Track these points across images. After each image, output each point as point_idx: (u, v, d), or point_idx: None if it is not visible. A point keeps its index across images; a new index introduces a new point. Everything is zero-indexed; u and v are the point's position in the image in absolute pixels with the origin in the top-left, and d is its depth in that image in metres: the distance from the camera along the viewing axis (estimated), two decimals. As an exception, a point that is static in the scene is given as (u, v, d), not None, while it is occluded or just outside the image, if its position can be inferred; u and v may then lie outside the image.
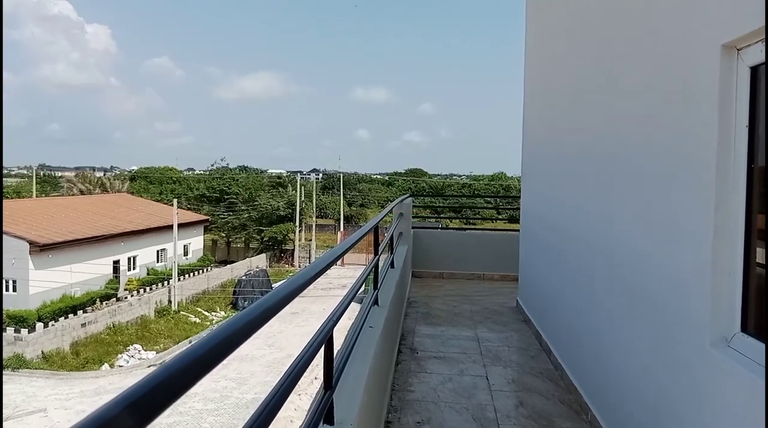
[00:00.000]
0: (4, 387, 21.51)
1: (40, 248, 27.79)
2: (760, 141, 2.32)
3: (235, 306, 34.60)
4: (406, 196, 9.40)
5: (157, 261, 37.30)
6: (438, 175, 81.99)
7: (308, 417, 1.88)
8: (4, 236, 27.01)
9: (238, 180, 54.05)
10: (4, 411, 19.41)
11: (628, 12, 3.84)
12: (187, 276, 35.30)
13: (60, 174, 68.08)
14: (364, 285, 4.34)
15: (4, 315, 25.80)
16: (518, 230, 8.32)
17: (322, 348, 1.98)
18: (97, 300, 29.77)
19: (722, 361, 2.39)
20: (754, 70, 2.34)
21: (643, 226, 3.39)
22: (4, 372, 23.20)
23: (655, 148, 3.22)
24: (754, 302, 2.37)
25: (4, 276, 27.34)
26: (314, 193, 55.32)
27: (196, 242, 42.44)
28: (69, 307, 27.69)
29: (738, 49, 2.41)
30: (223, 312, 33.97)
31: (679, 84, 2.91)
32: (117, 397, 0.73)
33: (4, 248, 26.63)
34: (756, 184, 2.34)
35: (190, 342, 27.93)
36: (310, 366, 2.04)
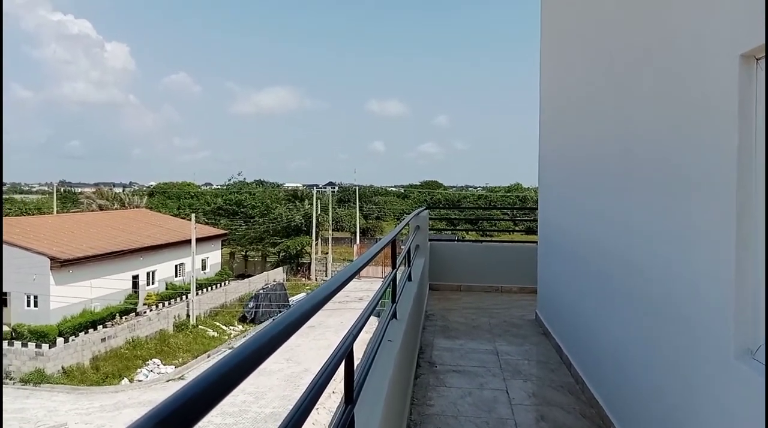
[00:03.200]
0: (26, 401, 21.72)
1: (60, 264, 28.13)
2: (781, 150, 2.30)
3: (252, 320, 34.60)
4: (422, 208, 9.40)
5: (176, 276, 37.56)
6: (453, 186, 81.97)
7: (330, 432, 1.88)
8: (26, 252, 27.42)
9: (254, 194, 54.40)
10: (27, 426, 19.58)
11: (644, 22, 3.83)
12: (205, 290, 35.49)
13: (80, 190, 69.01)
14: (381, 298, 4.35)
15: (26, 331, 26.11)
16: (536, 242, 8.27)
17: (343, 363, 1.98)
18: (117, 314, 30.01)
19: (747, 374, 2.36)
20: (774, 79, 2.32)
21: (664, 236, 3.36)
22: (25, 387, 23.43)
23: (674, 157, 3.20)
24: (779, 313, 2.34)
25: (25, 291, 27.71)
26: (330, 206, 55.49)
27: (214, 256, 42.69)
28: (89, 322, 27.94)
29: (757, 59, 2.40)
30: (240, 326, 34.05)
31: (698, 93, 2.89)
32: (147, 414, 0.74)
33: (26, 264, 27.01)
34: (778, 194, 2.32)
35: (208, 356, 28.05)
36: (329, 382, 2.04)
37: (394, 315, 4.10)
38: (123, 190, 64.17)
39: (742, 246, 2.45)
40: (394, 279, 4.10)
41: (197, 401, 0.82)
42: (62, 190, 68.60)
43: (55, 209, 52.07)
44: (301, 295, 34.52)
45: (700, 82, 2.85)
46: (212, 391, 0.86)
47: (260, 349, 1.09)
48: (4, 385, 23.04)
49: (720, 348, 2.58)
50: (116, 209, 47.75)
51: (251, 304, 35.19)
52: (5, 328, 26.63)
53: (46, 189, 73.05)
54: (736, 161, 2.45)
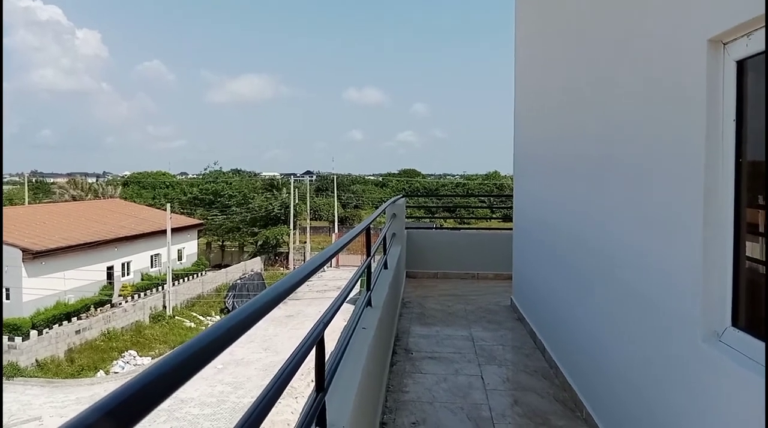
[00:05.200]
0: (-2, 395, 21.32)
1: (33, 255, 27.62)
2: (747, 135, 2.33)
3: (230, 311, 34.39)
4: (399, 196, 9.40)
5: (151, 267, 37.14)
6: (432, 174, 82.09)
7: (300, 420, 1.86)
8: (-3, 244, 26.86)
9: (231, 183, 53.91)
10: (-1, 420, 19.28)
11: (616, 9, 3.84)
12: (181, 280, 35.16)
13: (52, 180, 67.73)
14: (359, 286, 4.34)
15: (-2, 324, 25.65)
16: (512, 229, 8.33)
17: (314, 351, 1.97)
18: (92, 306, 29.60)
19: (714, 356, 2.40)
20: (740, 65, 2.34)
21: (634, 222, 3.40)
22: (-2, 380, 23.01)
23: (645, 144, 3.22)
24: (744, 296, 2.38)
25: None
26: (308, 195, 55.24)
27: (190, 246, 42.28)
28: (63, 314, 27.51)
29: (724, 44, 2.41)
30: (218, 317, 33.85)
31: (667, 79, 2.91)
32: (94, 405, 0.71)
33: (-4, 256, 26.47)
34: (744, 178, 2.35)
35: (185, 347, 27.82)
36: (308, 370, 2.03)
37: (368, 303, 4.10)
38: (97, 180, 63.13)
39: (709, 229, 2.48)
40: (368, 267, 4.09)
41: (149, 391, 0.80)
42: (34, 180, 67.31)
43: (26, 200, 51.09)
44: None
45: (671, 70, 2.87)
46: (166, 381, 0.84)
47: (219, 339, 1.07)
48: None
49: (688, 331, 2.62)
50: (90, 199, 46.98)
51: (230, 294, 35.01)
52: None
53: (18, 179, 71.51)
54: (704, 147, 2.47)
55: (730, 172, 2.40)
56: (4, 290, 27.44)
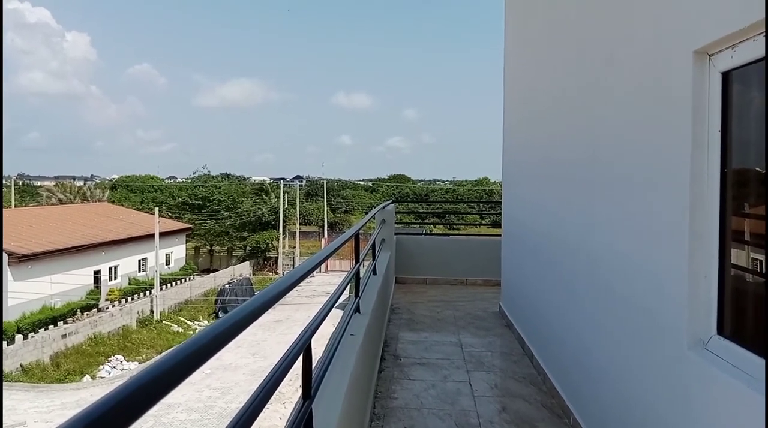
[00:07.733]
0: (-18, 401, 21.08)
1: (19, 259, 27.34)
2: (732, 145, 2.35)
3: (218, 316, 34.25)
4: (388, 202, 9.41)
5: (139, 271, 36.86)
6: (421, 180, 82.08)
7: (286, 428, 1.86)
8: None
9: (220, 187, 53.70)
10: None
11: (605, 18, 3.88)
12: (169, 285, 34.94)
13: (39, 183, 67.18)
14: (348, 292, 4.33)
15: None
16: (501, 235, 8.35)
17: (301, 357, 1.97)
18: (78, 310, 29.35)
19: (699, 364, 2.41)
20: (726, 76, 2.37)
21: (622, 230, 3.42)
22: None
23: (633, 153, 3.25)
24: (729, 304, 2.40)
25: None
26: (297, 199, 55.12)
27: (179, 251, 42.04)
28: (49, 318, 27.23)
29: (709, 55, 2.45)
30: (206, 321, 33.64)
31: (654, 89, 2.94)
32: (78, 414, 0.71)
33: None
34: (729, 188, 2.37)
35: (173, 352, 27.62)
36: (296, 376, 2.02)
37: (357, 309, 4.10)
38: (84, 183, 62.66)
39: (695, 237, 2.50)
40: (357, 273, 4.09)
41: (133, 400, 0.79)
42: (21, 183, 66.67)
43: (13, 203, 50.56)
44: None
45: (658, 79, 2.90)
46: (150, 390, 0.84)
47: (206, 346, 1.06)
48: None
49: (674, 339, 2.64)
50: (77, 203, 46.61)
51: (220, 299, 34.81)
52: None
53: (4, 182, 70.92)
54: (690, 157, 2.50)
55: (715, 182, 2.42)
56: (4, 291, 27.16)
